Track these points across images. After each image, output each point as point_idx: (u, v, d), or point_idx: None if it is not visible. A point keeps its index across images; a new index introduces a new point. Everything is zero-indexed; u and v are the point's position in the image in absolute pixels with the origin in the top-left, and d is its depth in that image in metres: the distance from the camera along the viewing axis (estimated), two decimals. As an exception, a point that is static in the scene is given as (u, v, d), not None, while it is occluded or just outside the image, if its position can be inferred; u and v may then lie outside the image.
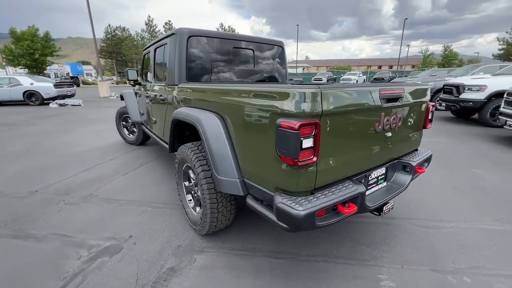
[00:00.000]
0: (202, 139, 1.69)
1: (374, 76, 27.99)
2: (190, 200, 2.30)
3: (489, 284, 1.65)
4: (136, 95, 4.38)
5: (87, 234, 2.17)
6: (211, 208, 1.82)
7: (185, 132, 2.46)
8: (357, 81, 26.00)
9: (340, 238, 2.10)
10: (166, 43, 2.66)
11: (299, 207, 1.17)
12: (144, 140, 4.75)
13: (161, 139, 3.13)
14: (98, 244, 2.03)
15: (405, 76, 27.71)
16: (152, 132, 3.59)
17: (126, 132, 4.98)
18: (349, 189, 1.35)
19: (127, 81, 3.90)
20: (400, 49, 33.43)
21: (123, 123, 4.95)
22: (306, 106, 1.13)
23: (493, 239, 2.09)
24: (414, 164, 1.80)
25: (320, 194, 1.28)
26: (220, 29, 39.15)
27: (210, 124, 1.67)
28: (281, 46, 3.16)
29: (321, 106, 1.14)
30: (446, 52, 50.94)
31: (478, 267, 1.79)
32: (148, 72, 3.56)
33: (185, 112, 1.96)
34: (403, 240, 2.09)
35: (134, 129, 4.80)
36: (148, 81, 3.60)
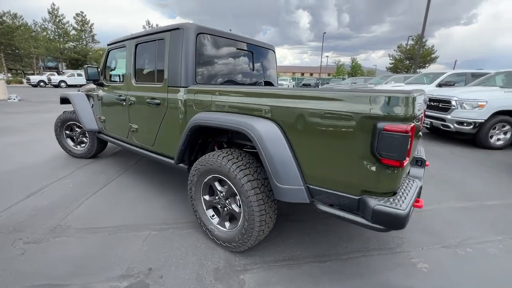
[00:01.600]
0: (258, 147, 1.54)
1: (302, 82, 30.96)
2: (213, 215, 2.06)
3: (484, 250, 2.07)
4: (89, 98, 3.64)
5: (87, 277, 1.68)
6: (260, 220, 1.68)
7: (197, 140, 2.20)
8: (288, 85, 28.20)
9: (363, 233, 2.26)
10: (162, 39, 2.30)
11: (401, 207, 1.22)
12: (98, 151, 3.97)
13: (147, 149, 2.68)
14: (112, 287, 1.60)
15: (327, 82, 31.68)
16: (124, 141, 3.03)
17: (71, 143, 4.04)
18: (414, 185, 1.48)
19: (87, 81, 3.19)
20: (321, 59, 38.05)
21: (67, 132, 4.00)
22: (406, 110, 1.19)
23: (467, 215, 2.62)
24: (424, 158, 2.10)
25: (401, 193, 1.36)
26: (147, 27, 35.84)
27: (267, 131, 1.54)
28: (273, 50, 3.17)
29: (413, 110, 1.22)
30: (353, 64, 60.75)
31: (470, 237, 2.22)
32: (118, 71, 3.01)
33: (222, 118, 1.74)
34: (408, 226, 2.40)
35: (84, 139, 3.94)
36: (117, 81, 3.05)
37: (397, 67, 41.22)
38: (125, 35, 2.85)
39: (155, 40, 2.40)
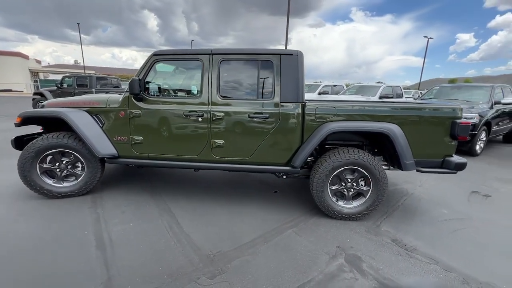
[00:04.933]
0: (395, 141, 2.43)
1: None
2: (337, 200, 2.70)
3: (434, 184, 3.96)
4: (96, 117, 2.88)
5: (317, 267, 1.94)
6: (387, 190, 2.59)
7: None
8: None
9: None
10: (269, 60, 2.59)
11: (464, 159, 2.56)
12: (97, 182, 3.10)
13: (236, 163, 2.76)
14: (340, 264, 2.00)
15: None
16: (187, 160, 2.81)
17: (48, 180, 2.87)
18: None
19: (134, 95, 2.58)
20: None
21: (42, 165, 2.82)
22: (461, 114, 2.54)
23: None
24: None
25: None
26: None
27: (398, 131, 2.47)
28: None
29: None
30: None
31: (421, 180, 4.09)
32: (178, 85, 2.77)
33: (367, 125, 2.46)
34: (396, 179, 4.00)
35: (77, 170, 2.96)
36: (182, 96, 2.84)
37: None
38: (193, 48, 2.69)
39: (257, 60, 2.62)
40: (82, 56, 31.66)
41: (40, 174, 2.83)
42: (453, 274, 1.94)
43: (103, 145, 2.82)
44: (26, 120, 2.87)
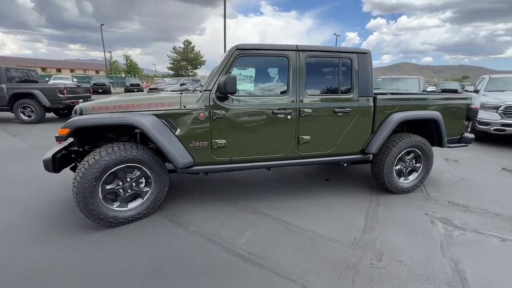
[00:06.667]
0: (439, 125, 3.07)
1: (93, 82, 25.88)
2: (398, 178, 3.21)
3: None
4: (165, 122, 2.46)
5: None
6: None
7: None
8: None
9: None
10: (348, 58, 2.78)
11: (473, 135, 3.47)
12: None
13: (318, 156, 2.89)
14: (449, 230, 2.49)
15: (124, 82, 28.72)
16: (270, 160, 2.75)
17: (110, 205, 2.27)
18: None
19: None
20: (105, 56, 33.16)
21: (106, 186, 2.20)
22: (472, 102, 3.41)
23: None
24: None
25: (461, 131, 3.63)
26: None
27: (440, 116, 3.11)
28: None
29: (470, 101, 3.48)
30: (128, 62, 58.11)
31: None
32: (265, 81, 2.64)
33: (424, 113, 3.00)
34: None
35: (141, 187, 2.44)
36: (268, 93, 2.74)
37: (178, 68, 46.00)
38: (278, 44, 2.60)
39: (338, 58, 2.77)
40: None
41: (102, 198, 2.22)
42: (503, 216, 2.72)
43: (181, 154, 2.43)
44: (75, 132, 2.14)
